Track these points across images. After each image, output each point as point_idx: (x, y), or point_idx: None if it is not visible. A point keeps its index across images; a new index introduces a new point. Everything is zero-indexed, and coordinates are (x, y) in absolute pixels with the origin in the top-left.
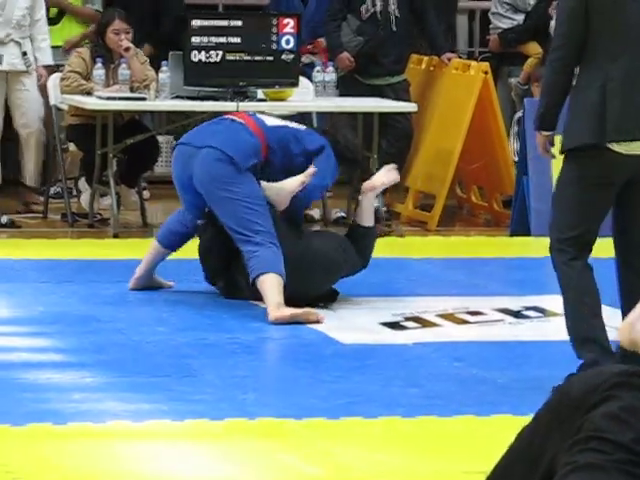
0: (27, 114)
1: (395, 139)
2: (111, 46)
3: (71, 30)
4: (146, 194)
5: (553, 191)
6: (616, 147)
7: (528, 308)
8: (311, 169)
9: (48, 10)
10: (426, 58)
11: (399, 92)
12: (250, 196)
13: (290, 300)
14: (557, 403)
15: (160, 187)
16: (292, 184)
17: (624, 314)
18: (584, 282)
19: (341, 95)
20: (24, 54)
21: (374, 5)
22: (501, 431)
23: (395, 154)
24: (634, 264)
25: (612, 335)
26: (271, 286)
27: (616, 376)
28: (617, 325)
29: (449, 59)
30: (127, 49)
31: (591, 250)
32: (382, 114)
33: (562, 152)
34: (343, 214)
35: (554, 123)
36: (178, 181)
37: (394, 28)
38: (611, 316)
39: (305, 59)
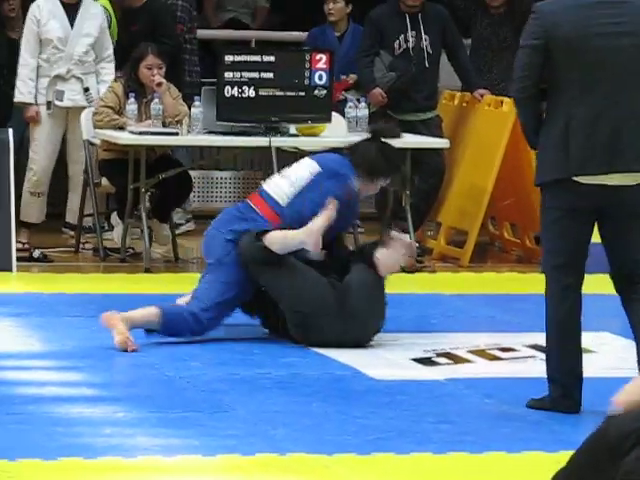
0: (80, 150)
1: (427, 175)
2: (144, 81)
3: None
4: (191, 225)
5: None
6: (580, 179)
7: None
8: (330, 202)
9: None
10: (458, 94)
11: (431, 128)
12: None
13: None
14: (593, 448)
15: (194, 222)
16: (317, 223)
17: (636, 341)
18: (568, 320)
19: None
20: (86, 90)
21: (407, 41)
22: (532, 468)
23: (427, 190)
24: (630, 294)
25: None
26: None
27: None
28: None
29: (482, 95)
30: (159, 84)
31: (582, 277)
32: (415, 150)
33: (535, 185)
34: None
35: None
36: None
37: (427, 64)
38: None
39: (340, 96)
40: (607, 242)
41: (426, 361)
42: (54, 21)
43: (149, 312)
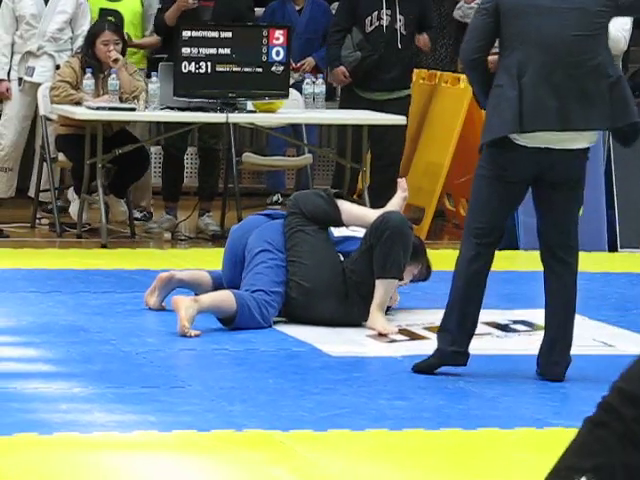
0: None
1: (379, 159)
2: (100, 57)
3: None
4: None
5: None
6: (522, 141)
7: (516, 322)
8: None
9: None
10: (416, 70)
11: (398, 108)
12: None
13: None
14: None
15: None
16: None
17: (545, 317)
18: (477, 278)
19: (341, 108)
20: (57, 67)
21: (380, 19)
22: (488, 445)
23: (382, 171)
24: (550, 263)
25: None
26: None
27: None
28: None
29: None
30: (116, 60)
31: (496, 244)
32: (372, 127)
33: (481, 146)
34: None
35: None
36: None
37: (399, 45)
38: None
39: (297, 77)
40: (541, 211)
41: (382, 337)
42: None
43: (222, 297)
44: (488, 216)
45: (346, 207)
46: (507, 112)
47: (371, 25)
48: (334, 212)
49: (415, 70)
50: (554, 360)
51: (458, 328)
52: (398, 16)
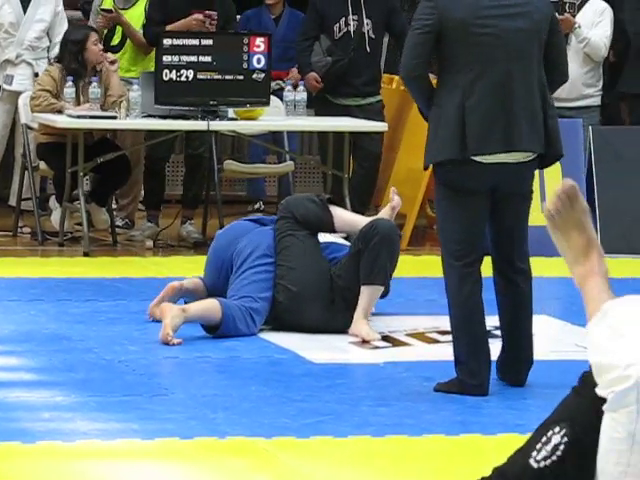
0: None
1: (362, 159)
2: (92, 59)
3: (133, 56)
4: None
5: None
6: (477, 158)
7: (497, 327)
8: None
9: (111, 37)
10: (397, 77)
11: (370, 113)
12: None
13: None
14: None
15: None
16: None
17: (502, 325)
18: (471, 302)
19: (316, 114)
20: (36, 75)
21: (347, 25)
22: (471, 451)
23: (363, 175)
24: (507, 275)
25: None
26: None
27: None
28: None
29: None
30: (113, 62)
31: (479, 262)
32: (353, 134)
33: (425, 167)
34: None
35: None
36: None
37: (368, 49)
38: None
39: (275, 85)
40: (495, 222)
41: (365, 344)
42: (7, 6)
43: (208, 306)
44: (462, 234)
45: (338, 213)
46: (446, 135)
47: (339, 32)
48: (326, 217)
49: (395, 77)
50: (518, 368)
51: (472, 359)
52: (365, 20)
